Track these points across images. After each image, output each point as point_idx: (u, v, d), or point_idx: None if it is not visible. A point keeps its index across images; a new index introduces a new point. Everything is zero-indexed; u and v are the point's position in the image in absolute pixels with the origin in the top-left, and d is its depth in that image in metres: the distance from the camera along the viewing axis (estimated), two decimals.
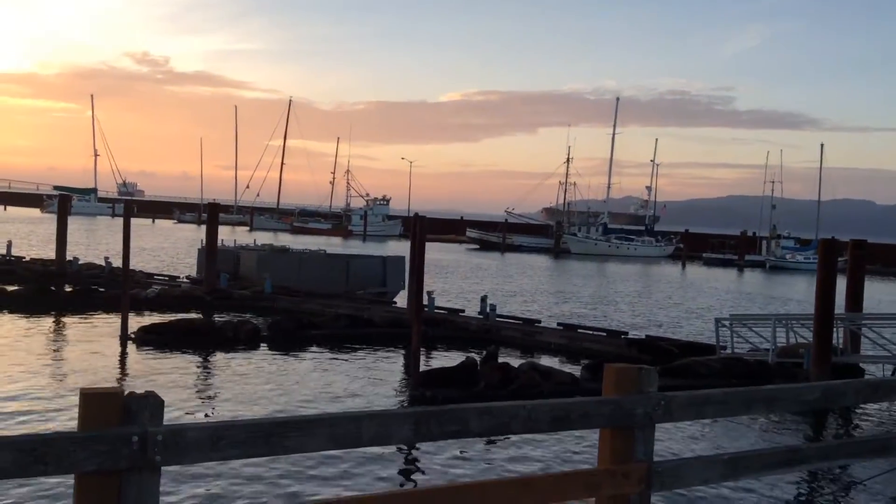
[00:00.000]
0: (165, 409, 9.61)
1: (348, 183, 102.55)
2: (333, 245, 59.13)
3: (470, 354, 15.83)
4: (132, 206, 21.95)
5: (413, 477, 9.55)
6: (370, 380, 15.23)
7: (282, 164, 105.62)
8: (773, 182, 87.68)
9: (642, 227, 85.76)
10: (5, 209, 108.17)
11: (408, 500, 2.89)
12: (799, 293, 43.89)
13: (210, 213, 27.64)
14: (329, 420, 2.88)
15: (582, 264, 62.17)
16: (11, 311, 21.05)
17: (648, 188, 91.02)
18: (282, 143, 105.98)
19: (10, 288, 23.65)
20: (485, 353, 14.84)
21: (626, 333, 20.94)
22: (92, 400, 2.48)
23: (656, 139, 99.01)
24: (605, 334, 20.57)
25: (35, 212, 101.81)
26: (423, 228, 17.86)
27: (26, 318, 20.30)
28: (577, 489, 3.33)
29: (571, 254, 74.81)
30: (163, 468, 2.52)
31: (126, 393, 2.55)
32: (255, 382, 14.39)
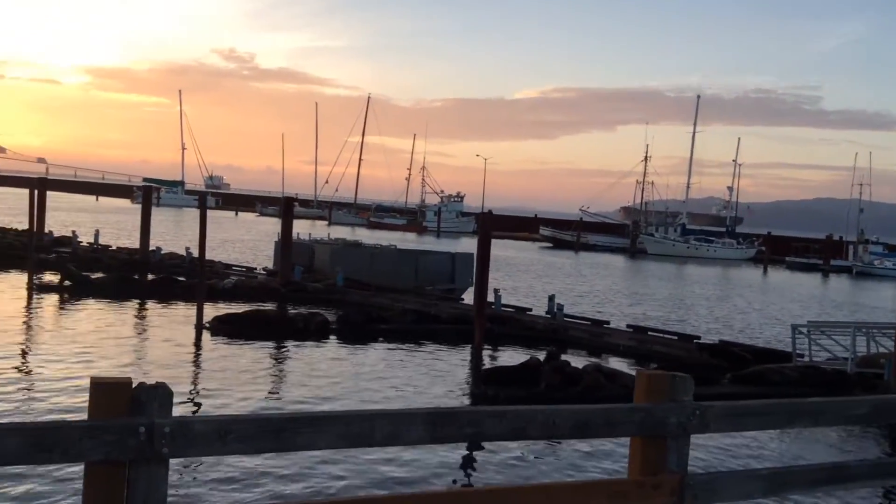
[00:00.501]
0: (231, 396, 9.71)
1: (423, 179, 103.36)
2: (408, 241, 59.59)
3: (534, 354, 15.69)
4: (205, 197, 22.50)
5: (426, 479, 9.04)
6: (432, 376, 15.25)
7: (360, 160, 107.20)
8: (861, 185, 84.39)
9: (723, 229, 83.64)
10: (97, 200, 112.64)
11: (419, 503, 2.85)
12: (886, 301, 42.09)
13: (285, 208, 28.19)
14: (341, 418, 2.86)
15: (659, 265, 61.01)
16: (96, 298, 21.87)
17: (730, 188, 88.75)
18: (360, 140, 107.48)
19: (95, 276, 24.61)
20: (546, 353, 14.65)
21: (699, 337, 20.42)
22: (101, 389, 2.53)
23: (738, 138, 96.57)
24: (676, 338, 20.09)
25: (126, 202, 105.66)
26: (489, 226, 17.80)
27: (109, 304, 21.07)
28: (601, 499, 3.23)
29: (648, 254, 73.49)
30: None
31: (137, 383, 2.58)
32: (318, 374, 14.58)
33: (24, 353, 14.62)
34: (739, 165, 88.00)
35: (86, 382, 9.66)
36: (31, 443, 2.40)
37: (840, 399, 3.99)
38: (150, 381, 9.53)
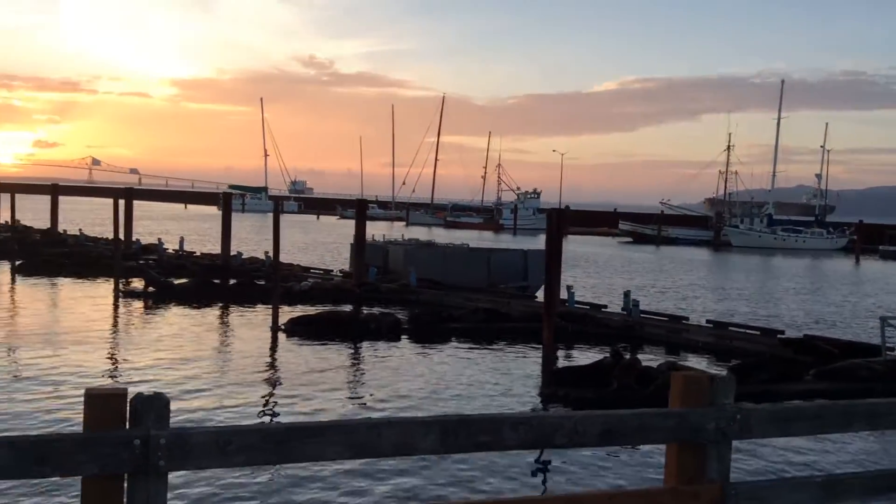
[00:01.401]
0: (304, 398, 9.63)
1: (499, 177, 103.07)
2: (484, 239, 59.47)
3: (607, 353, 15.35)
4: (279, 203, 22.89)
5: (443, 490, 8.54)
6: (501, 375, 15.10)
7: (436, 160, 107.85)
8: None
9: (812, 219, 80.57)
10: (186, 207, 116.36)
11: None
12: None
13: (358, 210, 28.46)
14: (347, 427, 2.76)
15: (744, 258, 59.20)
16: (178, 303, 22.54)
17: (818, 176, 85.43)
18: (436, 140, 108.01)
19: (178, 281, 25.37)
20: (610, 352, 14.26)
21: (783, 332, 19.65)
22: (96, 400, 2.49)
23: (826, 124, 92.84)
24: (758, 333, 19.39)
25: (213, 209, 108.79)
26: (560, 222, 17.50)
27: (190, 308, 21.67)
28: None
29: (732, 247, 71.38)
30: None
31: (134, 394, 2.55)
32: (386, 375, 14.61)
33: (104, 357, 15.12)
34: (828, 151, 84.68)
35: (163, 386, 9.81)
36: (25, 456, 2.38)
37: None
38: (222, 383, 9.59)
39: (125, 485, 2.53)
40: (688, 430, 3.18)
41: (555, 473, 9.38)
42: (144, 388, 12.11)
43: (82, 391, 2.63)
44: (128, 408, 2.52)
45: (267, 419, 11.45)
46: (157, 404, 2.52)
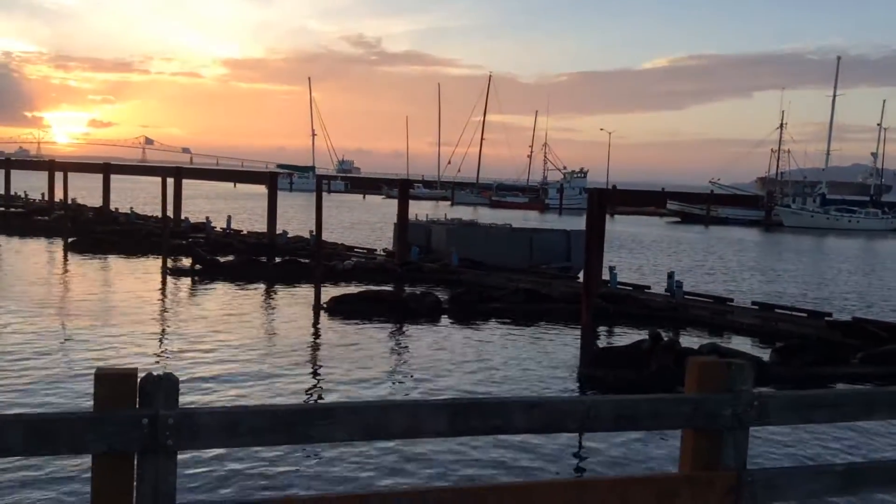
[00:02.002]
0: (340, 377, 9.62)
1: (545, 156, 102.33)
2: (530, 219, 59.17)
3: (647, 335, 15.18)
4: (321, 182, 23.04)
5: (448, 473, 8.41)
6: (541, 355, 15.08)
7: (481, 139, 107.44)
8: None
9: (867, 198, 78.49)
10: (235, 186, 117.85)
11: (438, 499, 2.74)
12: None
13: (402, 190, 28.52)
14: (356, 409, 2.77)
15: (795, 238, 57.98)
16: (224, 280, 22.92)
17: (874, 154, 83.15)
18: (481, 119, 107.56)
19: (225, 259, 25.78)
20: (648, 333, 14.10)
21: (830, 314, 19.25)
22: (106, 380, 2.55)
23: (883, 101, 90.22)
24: (805, 315, 19.02)
25: (261, 188, 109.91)
26: (602, 201, 17.27)
27: (236, 286, 22.02)
28: (646, 496, 3.02)
29: (784, 227, 69.96)
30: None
31: (143, 374, 2.60)
32: (425, 354, 14.68)
33: (147, 333, 15.45)
34: (885, 130, 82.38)
35: (202, 364, 9.93)
36: (34, 434, 2.46)
37: None
38: (261, 361, 9.68)
39: (135, 463, 2.58)
40: (703, 416, 3.13)
41: (568, 458, 9.31)
42: (182, 366, 12.44)
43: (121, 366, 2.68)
44: (138, 387, 2.57)
45: (298, 399, 11.56)
46: (165, 384, 2.57)
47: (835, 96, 78.51)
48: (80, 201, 44.93)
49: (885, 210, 76.53)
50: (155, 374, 2.56)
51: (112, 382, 2.54)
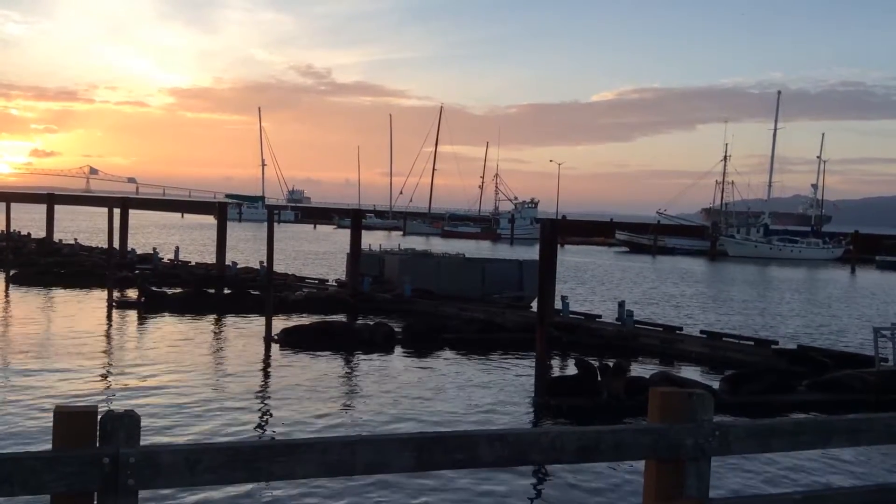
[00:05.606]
0: (293, 410, 9.53)
1: (497, 187, 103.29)
2: (482, 249, 59.49)
3: (592, 362, 15.28)
4: (273, 212, 22.83)
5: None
6: (495, 386, 15.07)
7: (433, 169, 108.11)
8: None
9: (808, 228, 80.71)
10: (182, 217, 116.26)
11: None
12: None
13: (353, 220, 28.47)
14: (319, 445, 2.74)
15: (740, 268, 59.23)
16: (172, 313, 22.47)
17: (814, 186, 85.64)
18: (433, 150, 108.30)
19: (171, 291, 25.31)
20: (604, 362, 14.20)
21: (777, 343, 19.66)
22: (65, 418, 2.48)
23: (822, 134, 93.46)
24: (752, 343, 19.40)
25: (209, 219, 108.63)
26: (554, 232, 17.46)
27: (184, 319, 21.60)
28: None
29: (728, 257, 71.46)
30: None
31: (104, 412, 2.53)
32: (378, 386, 14.56)
33: (92, 369, 15.04)
34: (824, 162, 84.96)
35: (151, 399, 9.71)
36: None
37: (882, 415, 3.65)
38: (211, 396, 9.51)
39: (94, 503, 2.51)
40: (666, 446, 3.16)
41: (531, 491, 9.26)
42: (131, 402, 12.12)
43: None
44: (98, 425, 2.50)
45: (253, 433, 11.37)
46: (127, 422, 2.50)
47: (776, 129, 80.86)
48: (22, 232, 43.85)
49: (826, 240, 78.72)
50: (116, 411, 2.50)
51: (71, 420, 2.46)
